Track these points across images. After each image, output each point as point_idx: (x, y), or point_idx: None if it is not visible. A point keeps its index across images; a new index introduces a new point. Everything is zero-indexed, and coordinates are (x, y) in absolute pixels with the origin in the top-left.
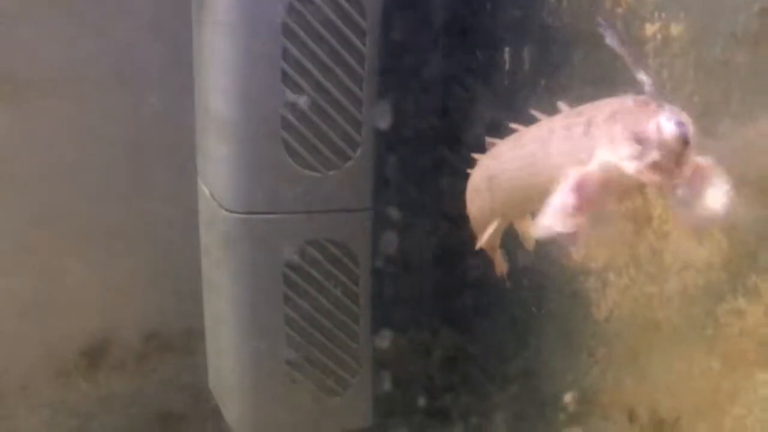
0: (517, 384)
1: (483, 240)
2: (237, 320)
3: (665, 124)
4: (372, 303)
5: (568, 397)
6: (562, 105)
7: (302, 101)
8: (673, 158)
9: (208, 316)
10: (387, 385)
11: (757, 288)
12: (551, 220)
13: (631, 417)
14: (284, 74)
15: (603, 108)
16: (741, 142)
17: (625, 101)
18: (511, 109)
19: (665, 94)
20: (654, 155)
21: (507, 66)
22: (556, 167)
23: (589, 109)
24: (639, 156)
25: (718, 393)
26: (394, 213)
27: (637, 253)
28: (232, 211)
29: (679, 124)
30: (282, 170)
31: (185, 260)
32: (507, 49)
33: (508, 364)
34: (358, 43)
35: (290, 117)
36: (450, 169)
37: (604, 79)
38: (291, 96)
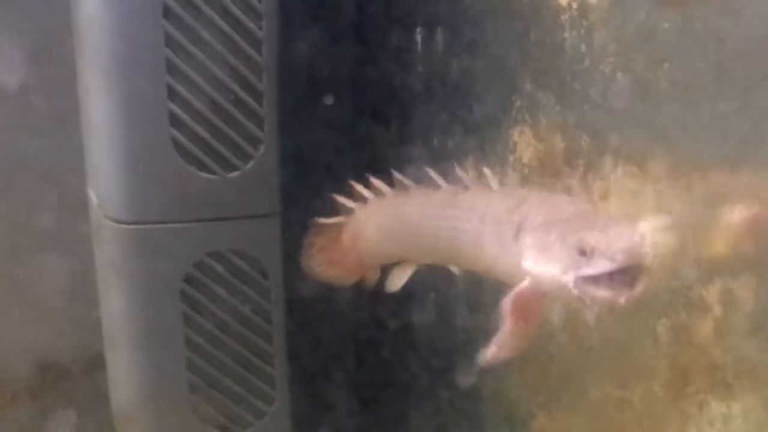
0: (447, 402)
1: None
2: (132, 346)
3: (620, 235)
4: (288, 320)
5: None
6: (459, 171)
7: (193, 94)
8: (626, 274)
9: (106, 341)
10: (309, 413)
11: (702, 300)
12: (497, 353)
13: None
14: (169, 63)
15: (535, 211)
16: None
17: (563, 207)
18: (425, 102)
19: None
20: (602, 266)
21: (420, 50)
22: (487, 258)
23: (519, 204)
24: (582, 268)
25: (663, 426)
26: (305, 218)
27: None
28: (119, 222)
29: (636, 236)
30: (173, 174)
31: (83, 282)
32: (419, 30)
33: (439, 382)
34: (253, 26)
35: (179, 112)
36: (366, 167)
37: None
38: (179, 88)
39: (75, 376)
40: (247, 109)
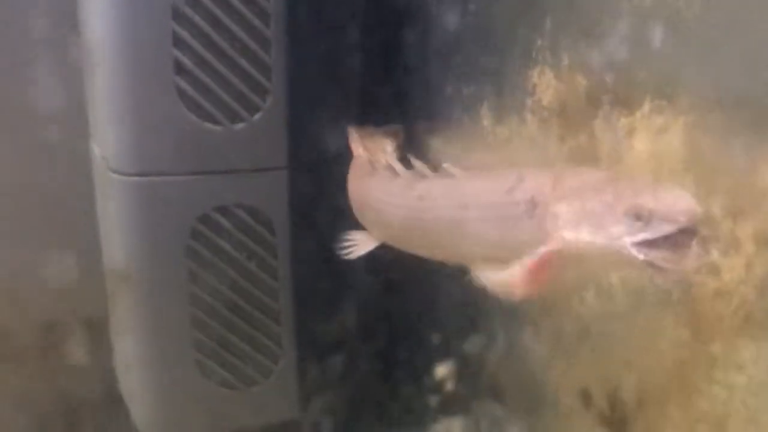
0: (457, 362)
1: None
2: (136, 303)
3: (677, 196)
4: (295, 277)
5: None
6: (415, 161)
7: (198, 41)
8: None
9: (110, 300)
10: (316, 372)
11: (735, 237)
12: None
13: (586, 401)
14: (174, 9)
15: (547, 183)
16: None
17: (578, 176)
18: (436, 50)
19: None
20: (664, 229)
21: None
22: (476, 245)
23: (517, 183)
24: (640, 233)
25: (690, 370)
26: (314, 172)
27: None
28: (122, 174)
29: (686, 195)
30: (178, 124)
31: (88, 239)
32: None
33: (448, 341)
34: None
35: (184, 60)
36: (377, 117)
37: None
38: (184, 34)
39: (79, 336)
40: (254, 57)
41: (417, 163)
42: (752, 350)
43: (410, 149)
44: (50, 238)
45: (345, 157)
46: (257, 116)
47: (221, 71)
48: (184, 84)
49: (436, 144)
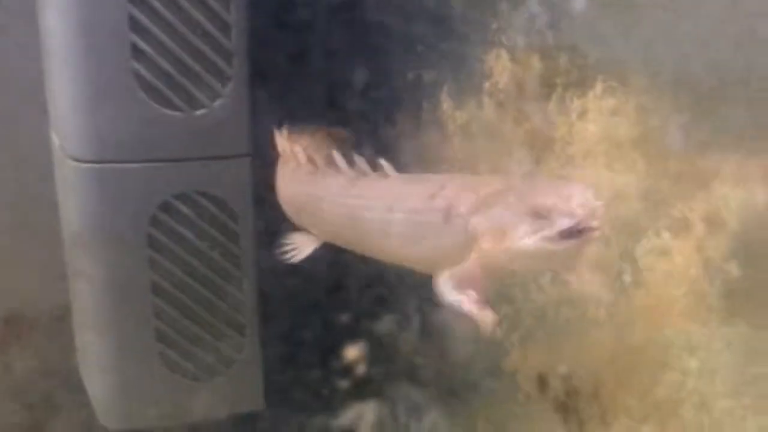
0: (421, 349)
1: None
2: (97, 292)
3: (574, 191)
4: (258, 266)
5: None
6: (385, 164)
7: (156, 25)
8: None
9: (72, 289)
10: (281, 362)
11: (685, 218)
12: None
13: (542, 386)
14: None
15: (461, 192)
16: None
17: (486, 183)
18: (399, 35)
19: None
20: (565, 223)
21: None
22: (400, 247)
23: (438, 190)
24: (543, 229)
25: (643, 356)
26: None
27: None
28: (80, 161)
29: (584, 188)
30: (137, 110)
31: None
32: None
33: (411, 328)
34: None
35: (141, 44)
36: (342, 105)
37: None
38: (141, 18)
39: (42, 328)
40: (214, 42)
41: (359, 160)
42: (704, 334)
43: (356, 146)
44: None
45: None
46: (218, 102)
47: (180, 56)
48: (142, 69)
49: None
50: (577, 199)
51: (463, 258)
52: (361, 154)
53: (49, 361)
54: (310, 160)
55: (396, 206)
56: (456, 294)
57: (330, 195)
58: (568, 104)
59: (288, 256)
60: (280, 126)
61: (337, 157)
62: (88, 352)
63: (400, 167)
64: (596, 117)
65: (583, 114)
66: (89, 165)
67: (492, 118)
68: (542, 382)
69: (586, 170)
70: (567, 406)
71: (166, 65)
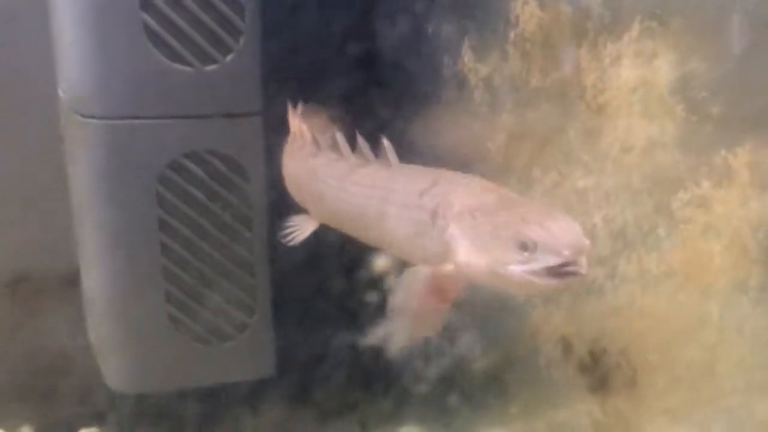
0: None
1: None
2: (105, 253)
3: (561, 228)
4: (271, 227)
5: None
6: (388, 146)
7: None
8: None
9: (81, 251)
10: (294, 327)
11: (728, 166)
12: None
13: (566, 349)
14: None
15: (450, 195)
16: None
17: (477, 190)
18: None
19: None
20: (547, 261)
21: None
22: (393, 239)
23: (429, 187)
24: (528, 263)
25: (677, 315)
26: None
27: (567, 138)
28: (87, 117)
29: (575, 229)
30: (146, 65)
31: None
32: None
33: None
34: None
35: None
36: (356, 63)
37: None
38: None
39: (49, 291)
40: None
41: (362, 144)
42: (745, 290)
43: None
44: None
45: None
46: (229, 58)
47: (192, 9)
48: (152, 22)
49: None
50: (566, 238)
51: (446, 260)
52: (366, 133)
53: (57, 325)
54: (315, 140)
55: (390, 198)
56: (416, 296)
57: (330, 179)
58: (601, 50)
59: (288, 238)
60: (296, 102)
61: (341, 140)
62: (97, 315)
63: (420, 127)
64: (631, 62)
65: (616, 59)
66: (97, 121)
67: (517, 68)
68: (566, 344)
69: (620, 119)
70: (592, 369)
71: (176, 18)
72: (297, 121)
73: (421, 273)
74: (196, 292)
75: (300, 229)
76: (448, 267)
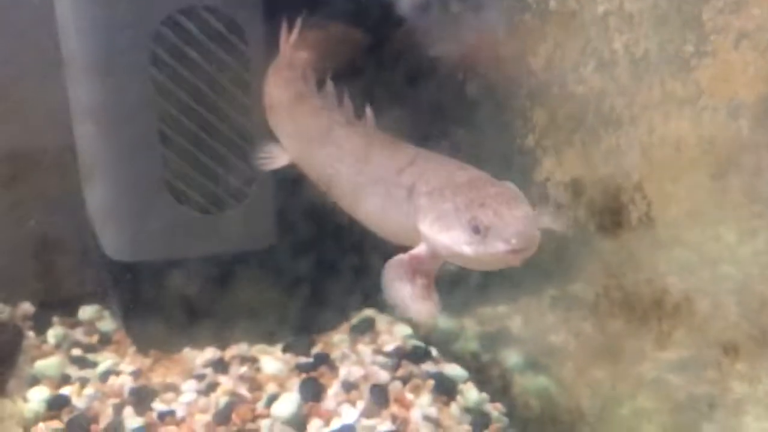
0: None
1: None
2: (100, 120)
3: (514, 217)
4: None
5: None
6: (369, 114)
7: None
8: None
9: (75, 120)
10: (294, 196)
11: None
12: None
13: (577, 191)
14: None
15: (427, 173)
16: None
17: (454, 171)
18: None
19: None
20: (497, 247)
21: None
22: (367, 209)
23: (407, 165)
24: (479, 244)
25: (700, 139)
26: None
27: None
28: None
29: (527, 217)
30: None
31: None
32: None
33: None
34: None
35: None
36: None
37: None
38: None
39: (47, 165)
40: None
41: (347, 104)
42: None
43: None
44: None
45: None
46: None
47: None
48: None
49: None
50: (516, 227)
51: (418, 237)
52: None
53: (55, 198)
54: (304, 77)
55: (366, 171)
56: (402, 282)
57: (309, 128)
58: None
59: (260, 163)
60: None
61: (330, 89)
62: (94, 185)
63: None
64: None
65: None
66: None
67: None
68: (577, 186)
69: None
70: (604, 208)
71: None
72: (288, 48)
73: (398, 260)
74: (194, 159)
75: (273, 159)
76: (422, 247)
